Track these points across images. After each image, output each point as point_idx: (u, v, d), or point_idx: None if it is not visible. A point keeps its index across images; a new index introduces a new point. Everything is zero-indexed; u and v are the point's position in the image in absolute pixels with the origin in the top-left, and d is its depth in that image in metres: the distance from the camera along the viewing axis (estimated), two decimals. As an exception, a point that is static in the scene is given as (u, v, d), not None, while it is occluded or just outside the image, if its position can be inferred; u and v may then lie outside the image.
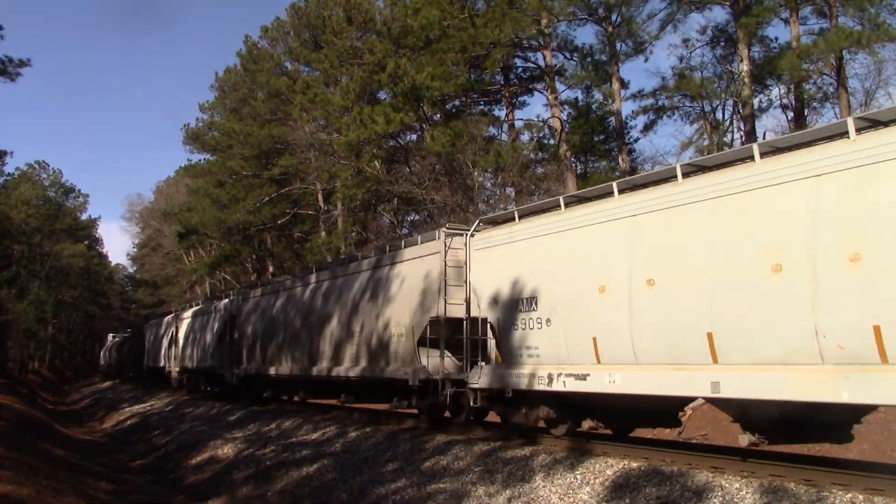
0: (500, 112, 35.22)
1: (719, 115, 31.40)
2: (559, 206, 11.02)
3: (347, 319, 15.84)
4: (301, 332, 18.54)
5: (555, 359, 10.42)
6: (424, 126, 31.88)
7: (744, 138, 28.36)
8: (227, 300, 26.78)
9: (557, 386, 10.20)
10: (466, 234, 12.75)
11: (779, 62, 24.69)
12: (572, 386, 9.99)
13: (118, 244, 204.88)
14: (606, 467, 9.11)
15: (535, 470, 9.71)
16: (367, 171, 31.52)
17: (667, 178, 9.47)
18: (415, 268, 13.77)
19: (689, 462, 8.99)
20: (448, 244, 12.78)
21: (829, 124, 8.27)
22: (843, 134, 7.57)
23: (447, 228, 13.31)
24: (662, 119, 32.15)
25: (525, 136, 33.56)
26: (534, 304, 10.73)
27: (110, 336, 65.95)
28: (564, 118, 31.55)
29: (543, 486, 9.15)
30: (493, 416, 13.47)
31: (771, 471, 8.17)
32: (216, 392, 26.62)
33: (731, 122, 31.49)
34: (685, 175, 9.11)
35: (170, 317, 36.44)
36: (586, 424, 10.98)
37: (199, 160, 50.43)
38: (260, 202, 40.30)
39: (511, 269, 11.38)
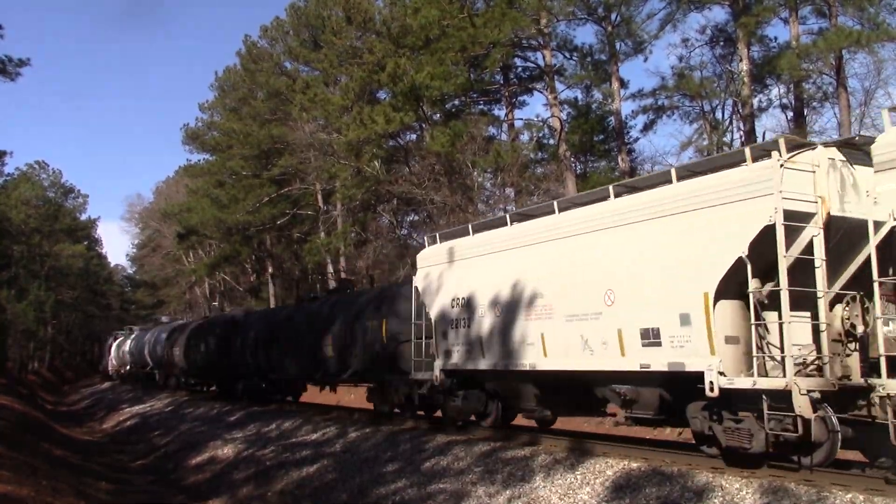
0: (500, 112, 35.29)
1: (719, 115, 31.43)
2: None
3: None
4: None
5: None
6: (424, 126, 31.89)
7: (743, 138, 28.36)
8: None
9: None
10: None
11: (778, 62, 24.69)
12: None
13: (118, 245, 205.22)
14: (606, 467, 9.11)
15: (535, 470, 9.71)
16: (366, 171, 31.52)
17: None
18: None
19: (690, 462, 8.99)
20: None
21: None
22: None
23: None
24: (662, 119, 32.18)
25: (525, 136, 33.64)
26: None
27: (166, 319, 48.09)
28: (564, 118, 31.58)
29: (543, 487, 9.15)
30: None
31: (771, 471, 8.17)
32: None
33: (731, 122, 31.52)
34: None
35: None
36: None
37: (199, 160, 50.44)
38: (259, 202, 40.30)
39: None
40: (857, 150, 8.34)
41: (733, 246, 8.06)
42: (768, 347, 8.31)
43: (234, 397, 24.73)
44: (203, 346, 27.23)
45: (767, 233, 7.84)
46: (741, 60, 25.97)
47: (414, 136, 34.47)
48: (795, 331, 8.02)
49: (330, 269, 38.07)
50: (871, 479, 7.49)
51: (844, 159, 8.19)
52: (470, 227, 13.33)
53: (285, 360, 20.50)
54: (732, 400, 8.33)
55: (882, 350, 7.56)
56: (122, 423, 28.22)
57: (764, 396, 7.92)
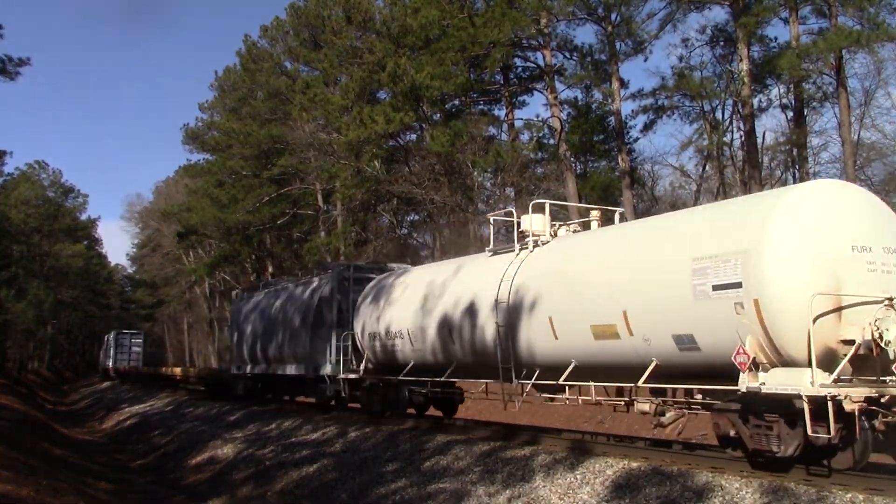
0: (500, 112, 35.30)
1: (719, 115, 31.45)
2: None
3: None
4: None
5: None
6: (424, 126, 31.89)
7: (743, 138, 28.37)
8: None
9: None
10: None
11: (778, 62, 24.68)
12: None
13: (118, 244, 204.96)
14: (606, 467, 9.10)
15: (535, 470, 9.70)
16: (366, 171, 31.51)
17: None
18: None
19: (690, 462, 8.98)
20: None
21: None
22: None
23: None
24: (662, 119, 32.19)
25: (525, 136, 33.65)
26: None
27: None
28: (564, 118, 31.59)
29: (543, 486, 9.15)
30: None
31: (770, 470, 8.17)
32: None
33: (731, 122, 31.56)
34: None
35: None
36: None
37: (199, 160, 50.42)
38: (259, 202, 40.27)
39: None
40: None
41: None
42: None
43: None
44: None
45: None
46: (741, 60, 25.96)
47: (414, 136, 34.49)
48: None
49: (330, 268, 38.06)
50: (872, 479, 7.49)
51: None
52: None
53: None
54: None
55: None
56: (121, 423, 28.21)
57: None
